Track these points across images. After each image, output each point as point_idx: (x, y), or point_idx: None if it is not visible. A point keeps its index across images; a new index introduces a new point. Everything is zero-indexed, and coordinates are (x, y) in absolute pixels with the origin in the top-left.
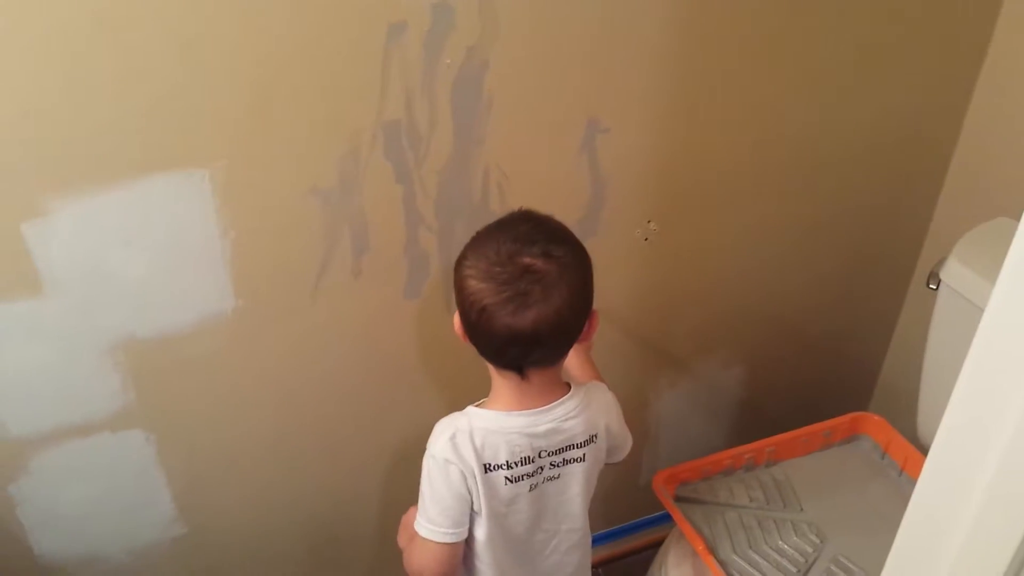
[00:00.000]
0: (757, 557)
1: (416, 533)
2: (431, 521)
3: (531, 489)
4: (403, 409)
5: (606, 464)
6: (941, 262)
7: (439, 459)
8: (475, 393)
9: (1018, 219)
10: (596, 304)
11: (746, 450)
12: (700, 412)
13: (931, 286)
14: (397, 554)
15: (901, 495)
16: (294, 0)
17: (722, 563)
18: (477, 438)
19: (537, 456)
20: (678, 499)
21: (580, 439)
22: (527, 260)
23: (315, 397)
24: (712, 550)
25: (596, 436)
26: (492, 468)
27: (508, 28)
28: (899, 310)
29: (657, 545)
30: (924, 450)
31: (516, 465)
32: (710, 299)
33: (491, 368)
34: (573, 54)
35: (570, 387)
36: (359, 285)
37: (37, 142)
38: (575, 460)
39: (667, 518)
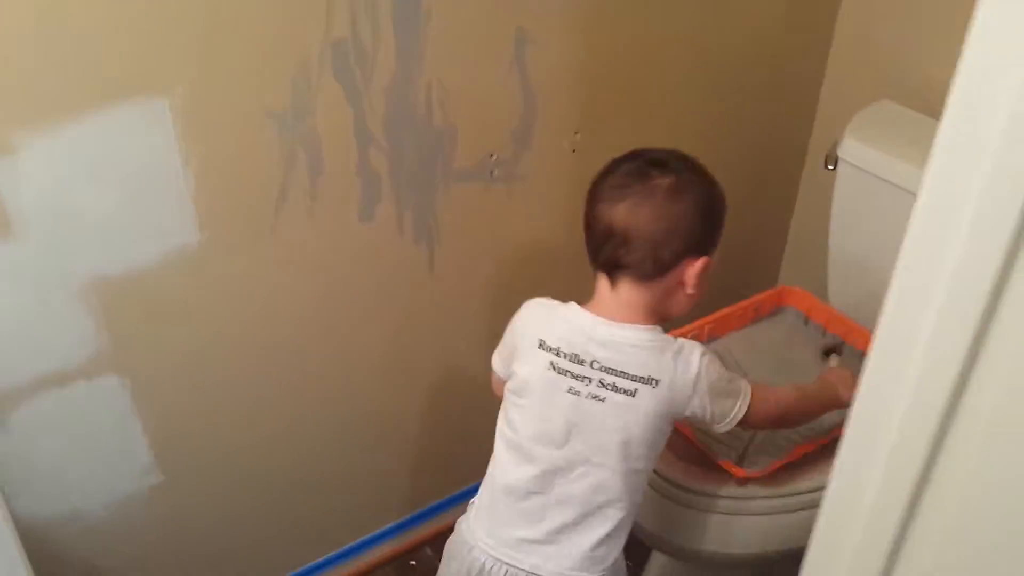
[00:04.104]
0: None
1: None
2: (498, 347)
3: (570, 391)
4: (368, 334)
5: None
6: (835, 145)
7: (527, 304)
8: (439, 321)
9: (897, 101)
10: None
11: (689, 329)
12: None
13: (829, 167)
14: (378, 494)
15: None
16: None
17: None
18: (553, 316)
19: (589, 365)
20: None
21: (635, 372)
22: (652, 171)
23: (284, 330)
24: None
25: (657, 383)
26: (545, 347)
27: None
28: (796, 191)
29: None
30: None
31: (564, 357)
32: None
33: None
34: None
35: (660, 329)
36: (316, 209)
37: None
38: (624, 391)
39: None
